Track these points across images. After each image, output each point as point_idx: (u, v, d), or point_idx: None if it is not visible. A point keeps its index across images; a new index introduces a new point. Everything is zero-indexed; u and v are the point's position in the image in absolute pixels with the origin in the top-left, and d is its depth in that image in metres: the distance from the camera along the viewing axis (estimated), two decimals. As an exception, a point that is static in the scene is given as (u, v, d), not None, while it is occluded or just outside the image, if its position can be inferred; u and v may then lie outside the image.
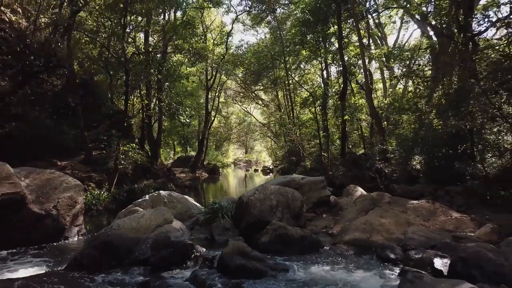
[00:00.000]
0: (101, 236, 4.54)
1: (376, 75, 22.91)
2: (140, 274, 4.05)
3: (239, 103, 37.93)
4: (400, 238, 4.85)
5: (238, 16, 26.49)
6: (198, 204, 7.44)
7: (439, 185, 9.91)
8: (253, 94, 35.26)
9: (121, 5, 11.38)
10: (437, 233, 4.99)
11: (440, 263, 3.54)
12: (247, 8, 25.37)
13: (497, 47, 10.23)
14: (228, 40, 24.97)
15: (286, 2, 26.22)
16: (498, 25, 10.04)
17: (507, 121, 8.44)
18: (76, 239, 6.89)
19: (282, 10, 26.04)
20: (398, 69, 18.37)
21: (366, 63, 16.91)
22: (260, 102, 37.81)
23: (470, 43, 10.74)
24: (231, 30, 25.52)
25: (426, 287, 2.54)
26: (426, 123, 12.14)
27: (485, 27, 10.64)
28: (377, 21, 19.22)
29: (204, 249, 4.69)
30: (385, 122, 15.24)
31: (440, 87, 12.58)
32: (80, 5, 11.20)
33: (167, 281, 3.72)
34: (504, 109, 9.03)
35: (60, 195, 6.85)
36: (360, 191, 8.42)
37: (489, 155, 10.54)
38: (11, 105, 11.53)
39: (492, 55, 9.56)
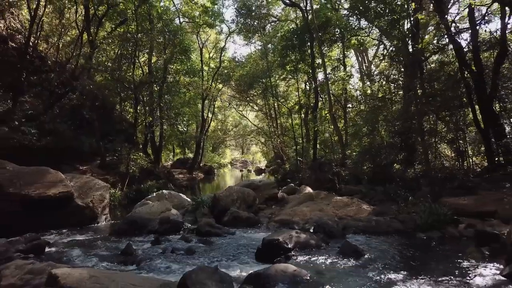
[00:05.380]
0: (129, 217, 7.72)
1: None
2: (152, 237, 7.16)
3: (234, 106, 40.63)
4: (309, 218, 7.96)
5: (231, 34, 29.52)
6: (188, 199, 10.63)
7: (375, 186, 12.98)
8: (247, 98, 38.06)
9: (131, 43, 14.46)
10: (330, 215, 8.07)
11: (313, 229, 6.68)
12: (240, 25, 28.29)
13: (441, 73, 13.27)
14: (222, 54, 28.20)
15: (275, 20, 29.35)
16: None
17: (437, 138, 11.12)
18: (104, 223, 9.72)
19: (270, 29, 28.96)
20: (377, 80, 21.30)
21: (344, 82, 19.95)
22: (255, 107, 40.59)
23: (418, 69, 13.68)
24: (224, 46, 28.69)
25: (280, 232, 5.62)
26: (375, 135, 15.23)
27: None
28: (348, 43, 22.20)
29: (190, 225, 7.86)
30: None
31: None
32: (97, 45, 14.22)
33: (168, 238, 6.86)
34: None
35: (94, 193, 9.84)
36: (308, 189, 11.50)
37: (416, 162, 13.71)
38: (44, 122, 14.62)
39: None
